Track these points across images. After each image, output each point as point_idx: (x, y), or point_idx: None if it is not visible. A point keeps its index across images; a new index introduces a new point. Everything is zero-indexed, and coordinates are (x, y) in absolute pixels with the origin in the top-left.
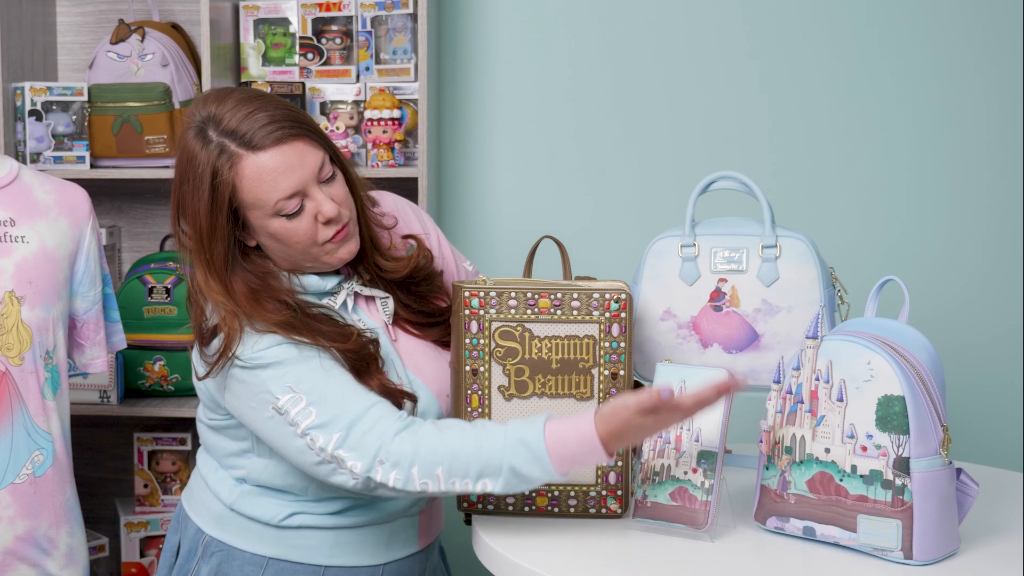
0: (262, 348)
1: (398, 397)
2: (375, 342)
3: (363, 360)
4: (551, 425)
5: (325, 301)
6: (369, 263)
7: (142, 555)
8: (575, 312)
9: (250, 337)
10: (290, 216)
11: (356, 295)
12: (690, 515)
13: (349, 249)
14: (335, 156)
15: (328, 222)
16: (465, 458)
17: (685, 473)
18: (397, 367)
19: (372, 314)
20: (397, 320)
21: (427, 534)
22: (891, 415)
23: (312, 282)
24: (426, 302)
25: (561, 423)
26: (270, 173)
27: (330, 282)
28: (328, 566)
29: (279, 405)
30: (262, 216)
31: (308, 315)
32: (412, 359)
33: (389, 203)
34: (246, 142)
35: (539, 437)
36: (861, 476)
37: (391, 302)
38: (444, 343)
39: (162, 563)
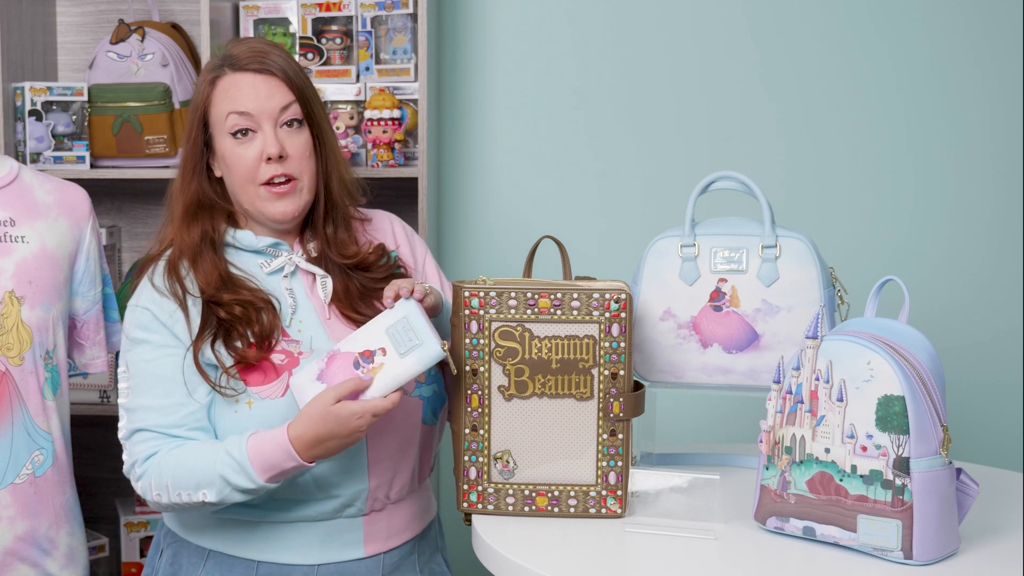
0: (133, 303)
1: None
2: (268, 304)
3: (234, 322)
4: (255, 435)
5: (259, 261)
6: (322, 233)
7: (142, 555)
8: (575, 312)
9: (143, 283)
10: (236, 137)
11: (297, 268)
12: None
13: (284, 208)
14: (312, 119)
15: (269, 160)
16: (188, 471)
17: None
18: (321, 342)
19: (312, 292)
20: (339, 303)
21: (377, 541)
22: (891, 415)
23: (246, 237)
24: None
25: (264, 432)
26: (236, 89)
27: (264, 242)
28: (261, 561)
29: (119, 369)
30: (219, 134)
31: (216, 253)
32: (341, 339)
33: (382, 219)
34: (232, 63)
35: (242, 447)
36: (861, 476)
37: (330, 282)
38: None
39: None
